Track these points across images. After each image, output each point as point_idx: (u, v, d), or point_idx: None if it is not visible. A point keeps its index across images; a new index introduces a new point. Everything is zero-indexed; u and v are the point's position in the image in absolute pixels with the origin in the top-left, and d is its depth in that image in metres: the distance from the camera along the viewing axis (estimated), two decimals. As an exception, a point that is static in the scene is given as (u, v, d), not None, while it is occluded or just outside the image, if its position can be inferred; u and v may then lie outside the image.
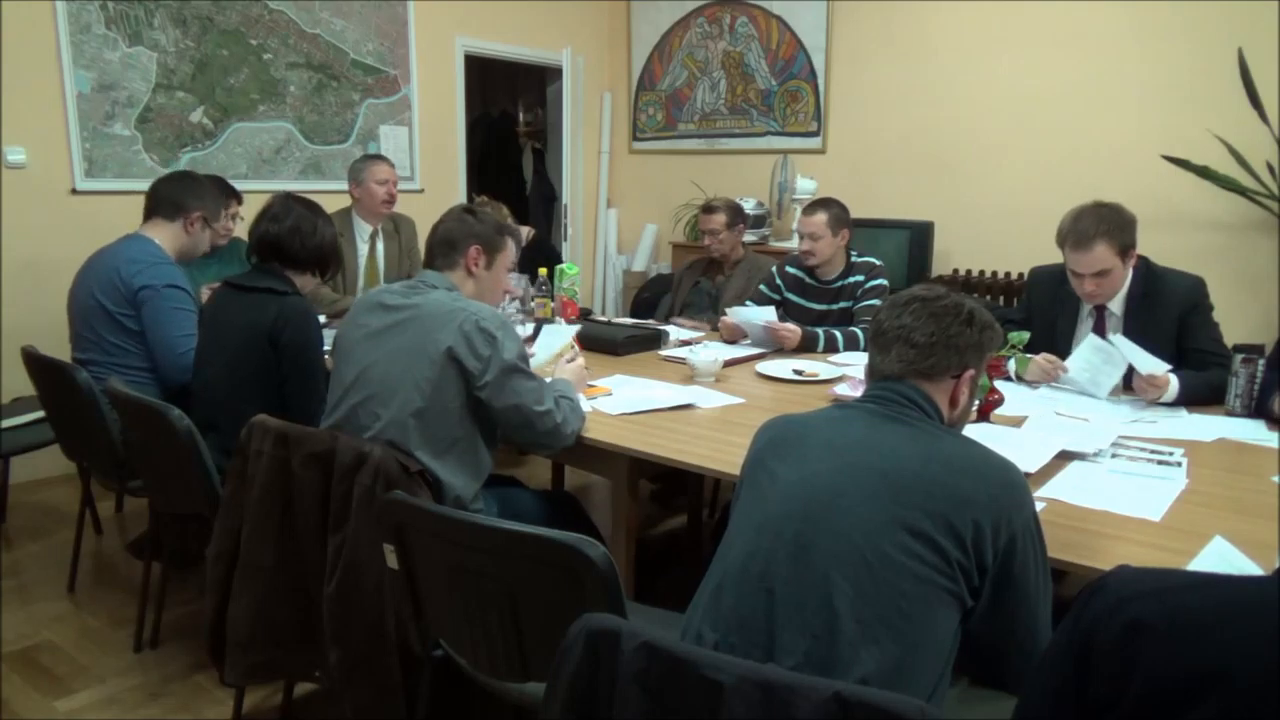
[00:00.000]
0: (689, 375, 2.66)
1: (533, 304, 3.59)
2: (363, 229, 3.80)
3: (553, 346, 2.64)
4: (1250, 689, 0.72)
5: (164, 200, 2.80)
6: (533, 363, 2.47)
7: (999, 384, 2.23)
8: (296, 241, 2.31)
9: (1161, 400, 2.31)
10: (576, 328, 2.69)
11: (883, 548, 1.20)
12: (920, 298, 1.41)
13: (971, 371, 1.40)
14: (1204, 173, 3.83)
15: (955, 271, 4.76)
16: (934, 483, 1.23)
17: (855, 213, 3.33)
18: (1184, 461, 1.90)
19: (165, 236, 2.77)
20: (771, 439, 1.42)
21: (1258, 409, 2.23)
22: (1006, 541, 1.23)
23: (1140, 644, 0.78)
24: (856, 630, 1.18)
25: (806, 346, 3.02)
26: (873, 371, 1.44)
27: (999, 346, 1.52)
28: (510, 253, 2.21)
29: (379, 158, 3.82)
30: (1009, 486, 1.26)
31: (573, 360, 2.45)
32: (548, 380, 2.21)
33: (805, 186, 5.08)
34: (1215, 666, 0.74)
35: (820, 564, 1.22)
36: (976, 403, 2.15)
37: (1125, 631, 0.80)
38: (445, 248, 2.11)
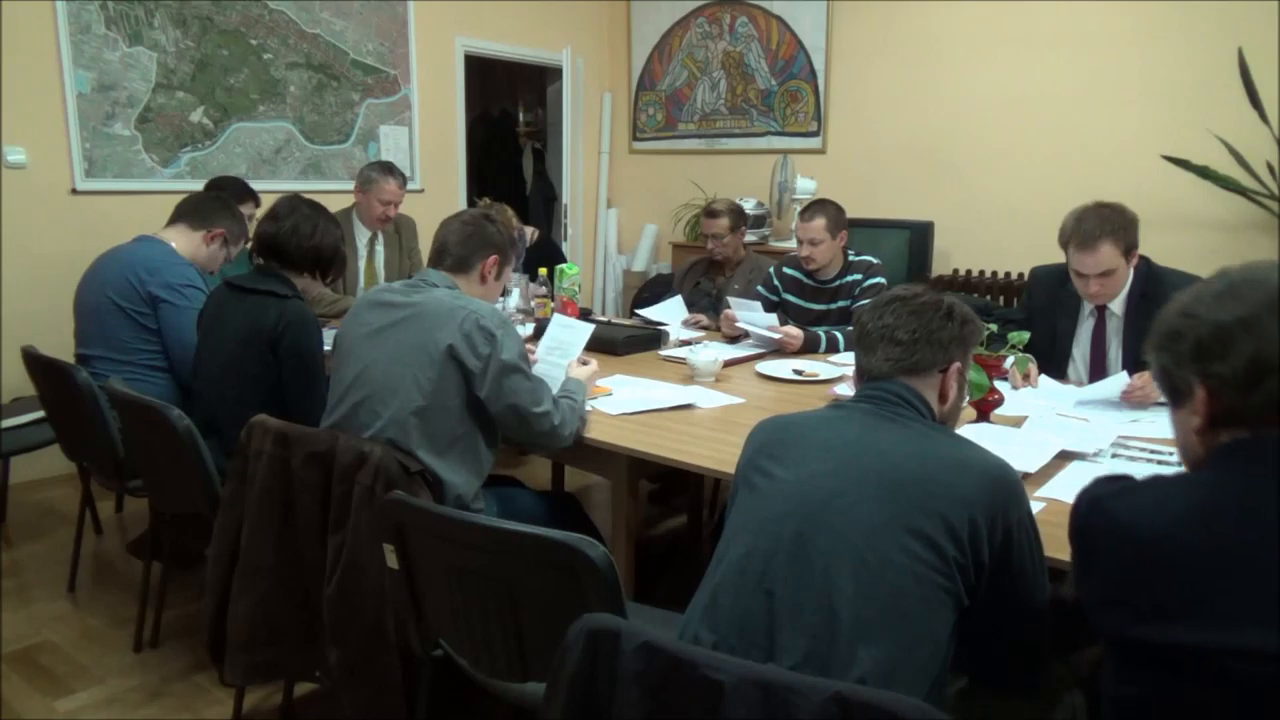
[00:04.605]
0: (689, 375, 2.66)
1: (533, 304, 3.59)
2: (362, 232, 3.79)
3: (566, 344, 2.50)
4: (1145, 541, 0.97)
5: (193, 209, 2.83)
6: (539, 351, 2.46)
7: (998, 384, 2.23)
8: (293, 242, 2.31)
9: (1160, 399, 2.30)
10: (591, 328, 2.57)
11: (881, 547, 1.20)
12: (899, 297, 1.44)
13: (958, 365, 1.42)
14: (1204, 173, 3.83)
15: (955, 271, 4.76)
16: (931, 481, 1.24)
17: (855, 213, 3.33)
18: (1184, 461, 1.89)
19: (183, 243, 2.78)
20: (767, 440, 1.42)
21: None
22: (1002, 537, 1.23)
23: (1095, 515, 1.04)
24: (856, 630, 1.18)
25: (809, 348, 3.03)
26: (861, 372, 1.45)
27: (982, 339, 1.53)
28: (513, 261, 2.24)
29: (393, 174, 3.70)
30: (1004, 484, 1.26)
31: (586, 364, 2.41)
32: (560, 378, 2.21)
33: (805, 186, 5.08)
34: (1124, 520, 0.99)
35: (819, 564, 1.22)
36: (973, 401, 2.15)
37: (1088, 505, 1.06)
38: (463, 251, 2.11)
